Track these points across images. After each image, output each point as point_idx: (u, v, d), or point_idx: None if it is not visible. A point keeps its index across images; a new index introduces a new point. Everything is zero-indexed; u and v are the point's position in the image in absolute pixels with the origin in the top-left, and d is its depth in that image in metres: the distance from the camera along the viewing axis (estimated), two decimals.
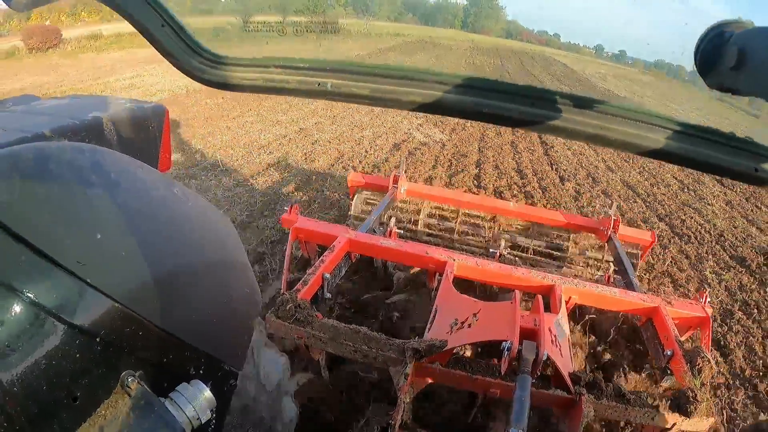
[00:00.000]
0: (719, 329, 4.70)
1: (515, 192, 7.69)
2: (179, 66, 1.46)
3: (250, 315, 1.27)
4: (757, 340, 4.59)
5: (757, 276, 5.97)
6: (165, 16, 1.39)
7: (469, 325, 2.50)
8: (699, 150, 1.31)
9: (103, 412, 0.91)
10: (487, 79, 1.38)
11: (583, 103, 1.34)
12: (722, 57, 0.98)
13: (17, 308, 0.79)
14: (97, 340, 0.87)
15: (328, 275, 3.07)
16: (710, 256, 6.39)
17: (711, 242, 6.88)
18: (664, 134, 1.32)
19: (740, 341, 4.57)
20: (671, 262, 6.01)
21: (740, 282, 5.79)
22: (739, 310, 5.14)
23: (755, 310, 5.15)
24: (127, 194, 1.02)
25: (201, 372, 1.07)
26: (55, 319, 0.82)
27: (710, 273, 5.87)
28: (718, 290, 5.52)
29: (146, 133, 1.70)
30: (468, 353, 3.08)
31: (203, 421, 0.99)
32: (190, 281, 1.04)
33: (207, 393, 1.01)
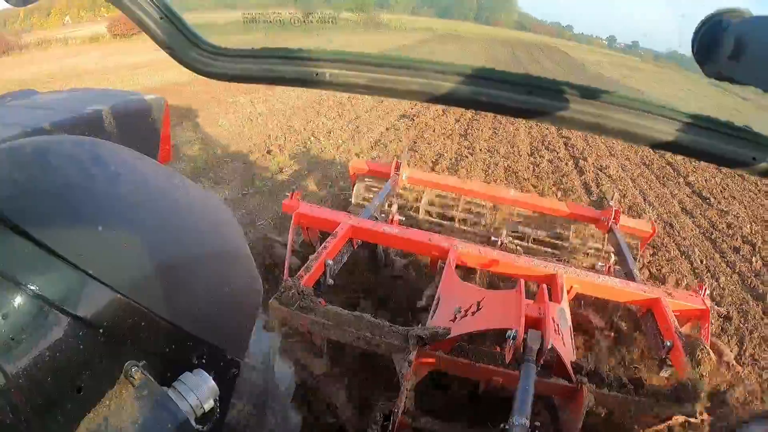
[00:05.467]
0: None
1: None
2: (178, 58, 1.45)
3: (251, 304, 1.27)
4: None
5: None
6: (163, 8, 1.38)
7: (473, 313, 2.50)
8: (697, 139, 1.30)
9: (107, 402, 0.92)
10: (485, 68, 1.37)
11: (582, 92, 1.33)
12: (720, 46, 0.98)
13: (20, 301, 0.79)
14: (101, 331, 0.88)
15: (330, 261, 3.07)
16: None
17: None
18: (662, 123, 1.31)
19: None
20: None
21: None
22: None
23: None
24: (128, 186, 1.02)
25: (204, 361, 1.08)
26: (59, 311, 0.83)
27: None
28: None
29: (146, 125, 1.69)
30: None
31: (206, 410, 1.00)
32: (191, 271, 1.05)
33: (210, 382, 1.02)
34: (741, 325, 4.78)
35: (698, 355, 2.70)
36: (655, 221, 6.35)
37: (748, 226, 7.31)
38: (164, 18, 1.39)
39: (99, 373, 0.91)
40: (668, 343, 2.89)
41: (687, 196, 8.40)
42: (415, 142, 8.87)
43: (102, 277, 0.87)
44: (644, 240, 4.78)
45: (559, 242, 4.79)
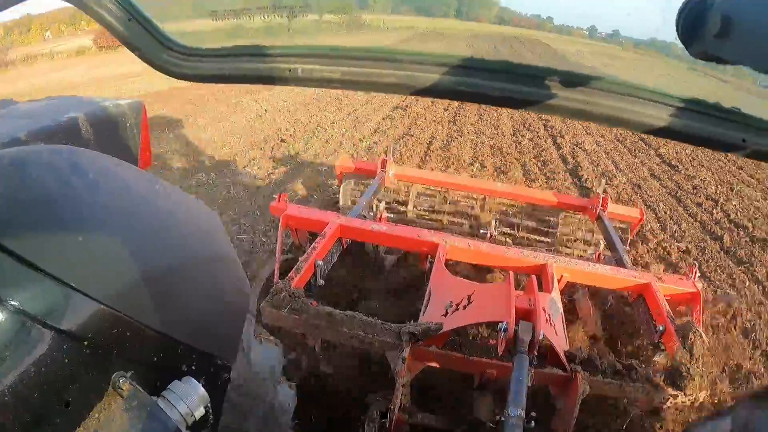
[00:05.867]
0: None
1: None
2: (149, 60, 1.43)
3: (240, 308, 1.26)
4: None
5: None
6: (131, 10, 1.36)
7: (464, 307, 2.51)
8: (686, 123, 1.28)
9: (97, 414, 0.91)
10: (464, 57, 1.35)
11: (568, 78, 1.31)
12: (705, 24, 0.93)
13: (2, 317, 0.78)
14: (85, 343, 0.86)
15: (320, 262, 3.07)
16: None
17: None
18: (651, 108, 1.29)
19: None
20: None
21: None
22: None
23: None
24: (108, 194, 1.00)
25: (193, 368, 1.07)
26: (42, 326, 0.81)
27: None
28: None
29: (124, 131, 1.67)
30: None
31: (197, 418, 0.99)
32: (176, 278, 1.03)
33: (200, 390, 1.01)
34: (699, 256, 5.79)
35: (691, 338, 2.73)
36: (625, 184, 7.80)
37: (713, 188, 8.21)
38: (132, 20, 1.37)
39: (86, 386, 0.89)
40: (660, 328, 2.91)
41: (656, 164, 9.27)
42: (409, 129, 9.95)
43: (84, 288, 0.86)
44: (634, 226, 4.80)
45: (548, 232, 4.81)
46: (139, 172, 1.16)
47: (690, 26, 0.96)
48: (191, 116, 10.32)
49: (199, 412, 0.99)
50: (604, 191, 4.51)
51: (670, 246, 5.92)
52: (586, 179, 7.94)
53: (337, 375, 3.02)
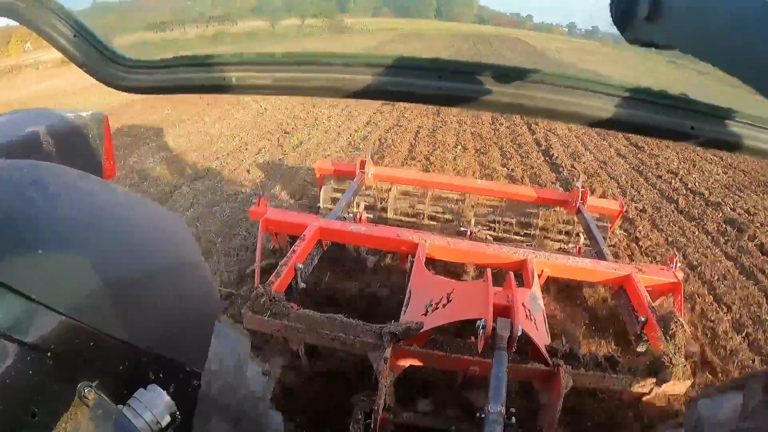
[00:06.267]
0: None
1: None
2: (95, 75, 1.41)
3: (207, 314, 1.25)
4: None
5: None
6: (76, 26, 1.35)
7: (444, 306, 2.52)
8: (631, 112, 1.25)
9: (63, 425, 0.90)
10: (393, 56, 1.32)
11: (502, 73, 1.26)
12: (635, 7, 0.90)
13: None
14: (49, 354, 0.87)
15: (300, 265, 3.07)
16: None
17: None
18: (591, 99, 1.25)
19: None
20: None
21: None
22: None
23: None
24: (69, 206, 1.00)
25: (161, 376, 1.07)
26: (4, 339, 0.81)
27: None
28: None
29: (86, 142, 1.66)
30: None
31: (163, 426, 0.99)
32: (140, 286, 1.03)
33: (165, 397, 1.00)
34: (654, 214, 6.65)
35: (672, 328, 2.75)
36: (592, 161, 8.69)
37: (676, 164, 9.00)
38: (78, 36, 1.36)
39: (52, 397, 0.89)
40: (642, 319, 2.94)
41: (623, 146, 10.02)
42: (398, 121, 10.88)
43: (46, 301, 0.85)
44: (614, 218, 4.83)
45: (528, 228, 4.82)
46: (102, 183, 1.15)
47: (623, 11, 0.94)
48: (197, 115, 11.03)
49: (165, 420, 0.99)
50: (583, 185, 4.53)
51: (628, 206, 6.64)
52: (557, 157, 8.73)
53: None
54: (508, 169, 8.04)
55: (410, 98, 1.37)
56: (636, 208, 6.80)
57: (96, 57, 1.40)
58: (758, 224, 6.44)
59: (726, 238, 6.07)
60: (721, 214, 6.76)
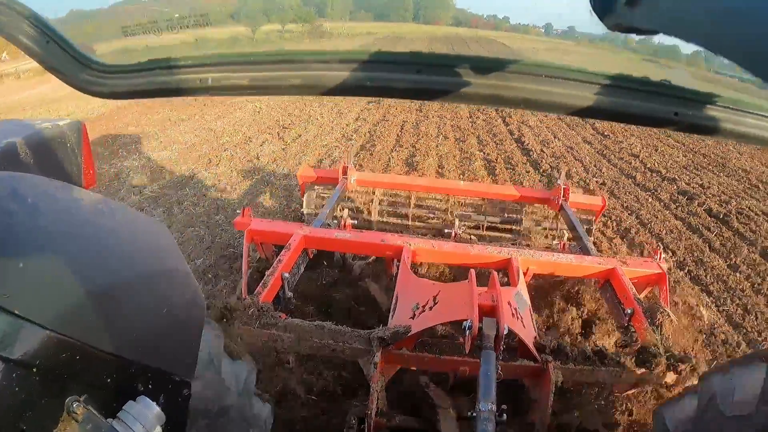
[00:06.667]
0: None
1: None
2: (69, 81, 1.40)
3: (194, 322, 1.24)
4: None
5: None
6: (48, 32, 1.34)
7: (431, 308, 2.52)
8: (614, 100, 1.23)
9: None
10: (369, 51, 1.32)
11: (479, 65, 1.25)
12: None
13: None
14: (34, 370, 0.85)
15: (287, 274, 3.06)
16: None
17: None
18: (572, 88, 1.23)
19: None
20: None
21: None
22: None
23: None
24: (49, 218, 0.98)
25: (150, 387, 1.06)
26: None
27: None
28: None
29: (65, 152, 1.64)
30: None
31: None
32: (124, 296, 1.02)
33: (155, 409, 0.99)
34: (612, 186, 7.88)
35: (659, 318, 2.78)
36: (560, 147, 9.94)
37: (638, 148, 10.22)
38: (51, 42, 1.35)
39: (40, 413, 0.88)
40: (629, 311, 2.97)
41: (590, 134, 11.37)
42: (384, 116, 12.18)
43: (28, 315, 0.84)
44: (597, 213, 4.88)
45: (512, 226, 4.85)
46: (82, 192, 1.14)
47: None
48: (197, 114, 12.04)
49: None
50: (565, 182, 4.57)
51: (589, 181, 8.00)
52: (528, 143, 9.97)
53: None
54: (484, 153, 9.27)
55: (389, 93, 1.37)
56: (596, 182, 7.99)
57: (69, 63, 1.39)
58: (710, 195, 7.49)
59: (677, 204, 7.22)
60: (675, 188, 7.86)
